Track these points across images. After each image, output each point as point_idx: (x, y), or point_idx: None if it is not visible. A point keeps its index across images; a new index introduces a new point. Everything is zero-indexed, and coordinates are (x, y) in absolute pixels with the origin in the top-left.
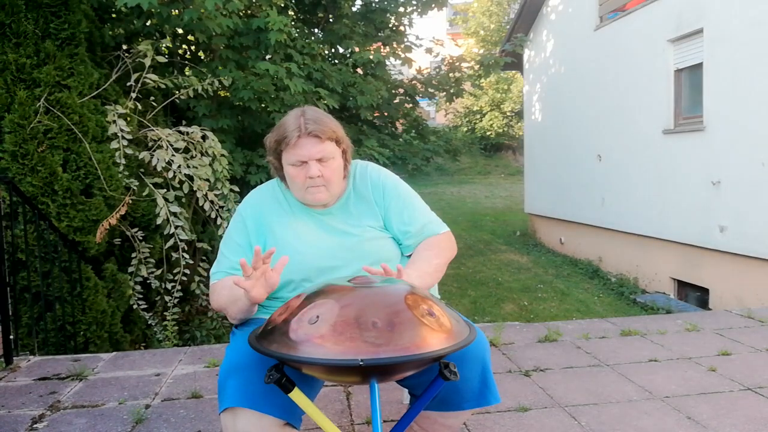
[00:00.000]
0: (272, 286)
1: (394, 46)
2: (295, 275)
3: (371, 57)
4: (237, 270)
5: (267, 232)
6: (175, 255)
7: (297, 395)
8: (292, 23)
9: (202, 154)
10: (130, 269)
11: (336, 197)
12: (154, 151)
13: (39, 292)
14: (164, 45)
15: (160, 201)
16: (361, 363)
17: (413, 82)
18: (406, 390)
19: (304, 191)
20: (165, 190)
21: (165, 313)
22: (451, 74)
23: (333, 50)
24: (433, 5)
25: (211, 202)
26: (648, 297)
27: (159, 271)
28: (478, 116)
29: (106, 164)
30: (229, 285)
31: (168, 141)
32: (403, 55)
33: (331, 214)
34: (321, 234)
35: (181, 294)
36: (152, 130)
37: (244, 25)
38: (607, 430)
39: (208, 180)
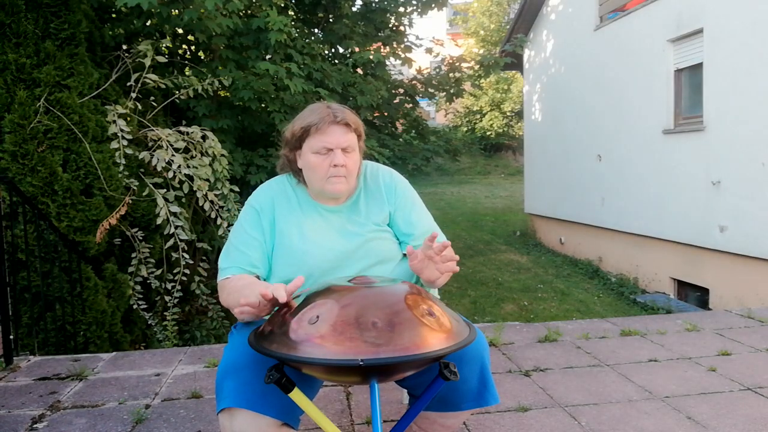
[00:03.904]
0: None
1: (394, 46)
2: (297, 273)
3: (371, 57)
4: (254, 267)
5: (275, 229)
6: (175, 255)
7: (297, 395)
8: (292, 23)
9: (202, 154)
10: (130, 269)
11: (348, 194)
12: (154, 151)
13: (39, 292)
14: (164, 45)
15: (160, 201)
16: (361, 363)
17: (413, 82)
18: (406, 390)
19: (324, 181)
20: (165, 190)
21: (165, 313)
22: (451, 74)
23: (333, 50)
24: (433, 5)
25: (211, 202)
26: (648, 297)
27: (159, 271)
28: (478, 116)
29: (106, 164)
30: (238, 288)
31: (168, 141)
32: (403, 55)
33: (340, 212)
34: (327, 233)
35: (181, 294)
36: (152, 130)
37: (244, 25)
38: (607, 430)
39: (208, 180)
